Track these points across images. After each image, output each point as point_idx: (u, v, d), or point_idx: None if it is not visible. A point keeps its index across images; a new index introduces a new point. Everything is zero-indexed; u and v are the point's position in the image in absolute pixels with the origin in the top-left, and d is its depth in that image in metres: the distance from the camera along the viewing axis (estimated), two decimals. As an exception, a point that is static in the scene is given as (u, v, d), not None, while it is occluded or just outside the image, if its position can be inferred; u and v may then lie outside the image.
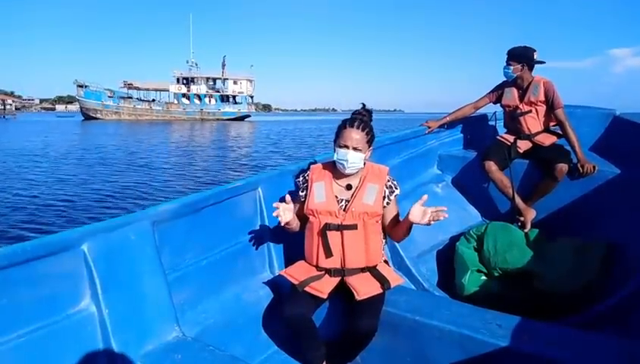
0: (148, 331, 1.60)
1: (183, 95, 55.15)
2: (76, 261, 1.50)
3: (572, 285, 2.34)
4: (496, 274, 2.54)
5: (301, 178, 1.97)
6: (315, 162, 2.13)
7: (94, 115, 53.69)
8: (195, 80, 55.50)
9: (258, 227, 2.17)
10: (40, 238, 1.42)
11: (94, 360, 1.49)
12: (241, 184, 2.08)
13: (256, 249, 2.15)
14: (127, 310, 1.57)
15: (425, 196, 1.75)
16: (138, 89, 56.61)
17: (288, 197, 1.87)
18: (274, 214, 1.83)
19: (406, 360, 1.78)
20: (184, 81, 55.34)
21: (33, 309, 1.39)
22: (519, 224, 2.85)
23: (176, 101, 55.39)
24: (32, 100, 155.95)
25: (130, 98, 55.87)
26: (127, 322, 1.56)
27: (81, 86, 53.26)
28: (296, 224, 1.96)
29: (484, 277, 2.58)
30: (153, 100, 56.94)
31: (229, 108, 55.98)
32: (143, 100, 56.44)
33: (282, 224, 1.87)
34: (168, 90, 55.88)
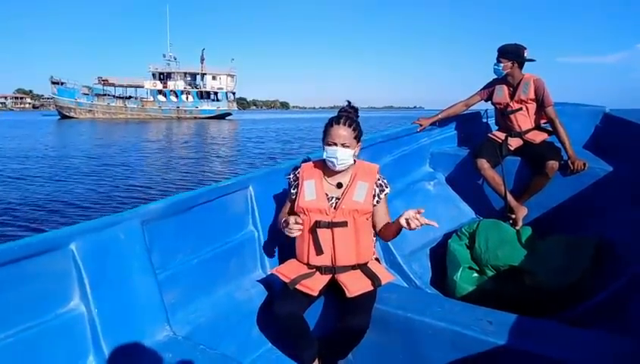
0: (138, 330, 1.66)
1: (159, 91, 53.85)
2: (65, 260, 1.54)
3: (563, 281, 2.47)
4: (488, 271, 2.66)
5: (292, 176, 2.06)
6: (305, 160, 2.21)
7: (68, 114, 52.24)
8: (172, 75, 54.22)
9: (249, 226, 2.25)
10: (28, 237, 1.46)
11: (83, 360, 1.55)
12: (232, 183, 2.16)
13: (247, 247, 2.23)
14: (117, 309, 1.63)
15: (422, 210, 1.77)
16: (113, 85, 55.22)
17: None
18: (292, 226, 1.86)
19: (397, 357, 1.86)
20: (161, 77, 54.10)
21: (22, 309, 1.43)
22: (511, 221, 2.99)
23: (152, 99, 54.21)
24: (53, 98, 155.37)
25: (105, 95, 54.37)
26: (116, 322, 1.61)
27: (56, 83, 51.66)
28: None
29: (475, 275, 2.70)
30: (129, 97, 55.60)
31: (207, 106, 54.65)
32: (118, 97, 55.00)
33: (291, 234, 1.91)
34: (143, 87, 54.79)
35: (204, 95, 55.41)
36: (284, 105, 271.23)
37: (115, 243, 1.67)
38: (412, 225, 1.75)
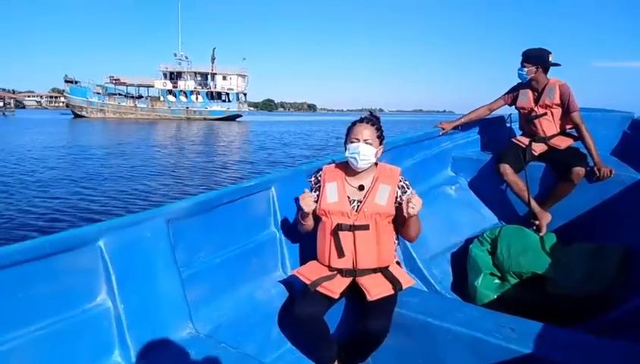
0: (162, 326, 1.75)
1: (169, 91, 54.38)
2: (93, 256, 1.64)
3: (587, 290, 2.50)
4: (509, 278, 2.70)
5: (313, 179, 2.14)
6: (328, 163, 2.28)
7: (79, 113, 53.47)
8: (182, 75, 54.65)
9: (271, 227, 2.34)
10: (58, 233, 1.56)
11: (109, 354, 1.64)
12: (254, 183, 2.25)
13: (269, 248, 2.31)
14: (142, 306, 1.72)
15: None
16: (124, 84, 56.03)
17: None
18: (301, 198, 1.99)
19: (417, 362, 1.91)
20: (171, 76, 54.58)
21: (51, 303, 1.52)
22: (535, 227, 3.02)
23: (162, 99, 54.85)
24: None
25: (116, 94, 55.23)
26: (141, 318, 1.70)
27: (70, 82, 52.77)
28: (311, 222, 2.12)
29: (497, 281, 2.75)
30: (140, 97, 56.40)
31: (217, 107, 54.94)
32: (128, 97, 55.85)
33: (303, 212, 2.02)
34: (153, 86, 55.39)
35: (214, 96, 55.62)
36: (311, 107, 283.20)
37: (141, 241, 1.76)
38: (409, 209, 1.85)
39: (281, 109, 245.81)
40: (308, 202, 1.98)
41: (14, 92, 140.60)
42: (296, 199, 2.39)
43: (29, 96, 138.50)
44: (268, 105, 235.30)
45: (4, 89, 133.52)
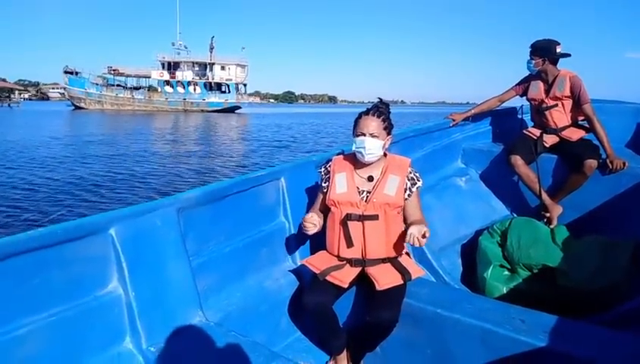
0: (172, 314, 1.82)
1: (167, 82, 54.19)
2: (105, 244, 1.70)
3: (597, 283, 2.55)
4: (519, 270, 2.75)
5: (323, 169, 2.19)
6: (338, 153, 2.33)
7: (78, 104, 53.81)
8: (180, 65, 54.35)
9: (280, 217, 2.41)
10: (70, 221, 1.62)
11: (120, 341, 1.71)
12: (264, 173, 2.31)
13: (278, 237, 2.38)
14: (153, 294, 1.78)
15: (428, 234, 1.86)
16: (123, 75, 55.96)
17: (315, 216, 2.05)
18: (305, 223, 2.02)
19: (426, 352, 1.97)
20: (169, 66, 54.30)
21: (64, 290, 1.59)
22: (545, 220, 3.07)
23: (159, 90, 54.77)
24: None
25: (114, 85, 55.31)
26: (152, 305, 1.77)
27: (70, 73, 52.95)
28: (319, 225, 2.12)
29: (506, 273, 2.80)
30: (138, 88, 56.42)
31: (214, 98, 54.56)
32: (126, 88, 55.86)
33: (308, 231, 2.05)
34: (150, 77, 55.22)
35: (213, 87, 55.25)
36: (332, 99, 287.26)
37: (152, 229, 1.82)
38: (412, 242, 1.86)
39: (302, 101, 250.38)
40: (311, 222, 2.01)
41: (38, 84, 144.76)
42: (305, 189, 2.45)
43: (53, 88, 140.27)
44: (288, 97, 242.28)
45: (30, 82, 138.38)
